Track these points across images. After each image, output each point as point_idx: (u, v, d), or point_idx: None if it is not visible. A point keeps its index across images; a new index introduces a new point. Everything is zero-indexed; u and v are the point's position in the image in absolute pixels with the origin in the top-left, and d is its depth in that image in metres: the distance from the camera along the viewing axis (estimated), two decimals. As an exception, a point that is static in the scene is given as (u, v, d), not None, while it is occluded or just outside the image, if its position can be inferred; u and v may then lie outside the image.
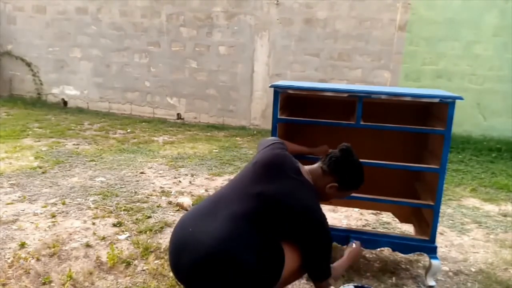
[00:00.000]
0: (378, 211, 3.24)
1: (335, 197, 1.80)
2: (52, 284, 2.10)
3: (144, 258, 2.38)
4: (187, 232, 1.56)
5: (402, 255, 2.49)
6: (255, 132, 6.15)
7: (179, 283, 1.75)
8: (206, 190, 3.59)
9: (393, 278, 2.32)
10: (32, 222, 2.75)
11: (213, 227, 1.52)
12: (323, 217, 1.62)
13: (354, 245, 1.96)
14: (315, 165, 1.78)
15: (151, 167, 4.15)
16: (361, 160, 2.23)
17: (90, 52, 7.09)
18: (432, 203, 2.18)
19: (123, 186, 3.56)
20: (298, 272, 1.68)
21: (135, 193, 3.42)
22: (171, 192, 3.49)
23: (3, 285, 2.06)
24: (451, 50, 5.62)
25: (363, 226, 3.06)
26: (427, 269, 2.28)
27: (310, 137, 2.41)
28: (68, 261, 2.31)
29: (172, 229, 2.72)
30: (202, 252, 1.47)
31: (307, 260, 1.62)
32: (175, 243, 1.59)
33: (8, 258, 2.28)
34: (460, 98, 2.04)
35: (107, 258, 2.33)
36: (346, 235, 2.29)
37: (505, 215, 3.37)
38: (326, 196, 1.78)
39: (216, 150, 4.97)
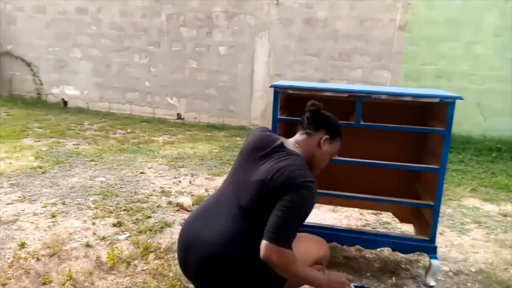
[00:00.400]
0: (378, 211, 3.24)
1: (329, 152, 1.73)
2: (52, 284, 2.10)
3: (144, 258, 2.38)
4: (192, 232, 1.60)
5: (402, 255, 2.49)
6: (255, 132, 6.14)
7: (188, 280, 1.75)
8: (206, 190, 3.59)
9: (393, 278, 2.32)
10: (32, 222, 2.75)
11: (218, 226, 1.54)
12: (308, 177, 1.49)
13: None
14: (297, 135, 1.75)
15: (151, 167, 4.15)
16: (361, 160, 2.25)
17: (90, 52, 7.09)
18: (432, 203, 2.18)
19: (123, 186, 3.56)
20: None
21: (135, 193, 3.42)
22: (171, 192, 3.49)
23: (3, 285, 2.05)
24: (451, 50, 5.62)
25: (363, 226, 3.05)
26: (427, 269, 2.28)
27: (310, 137, 2.40)
28: (68, 261, 2.31)
29: (172, 229, 2.76)
30: (210, 252, 1.50)
31: (273, 219, 1.43)
32: (183, 243, 1.63)
33: (8, 258, 2.28)
34: (460, 98, 2.04)
35: (107, 258, 2.33)
36: (346, 235, 2.29)
37: (505, 215, 3.37)
38: (321, 157, 1.71)
39: (216, 150, 4.97)
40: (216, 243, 1.49)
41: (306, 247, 1.65)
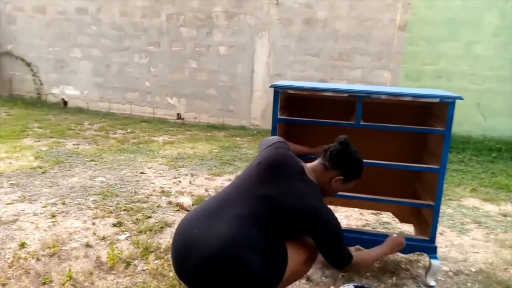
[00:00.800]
0: (378, 211, 3.24)
1: (341, 190, 1.80)
2: (52, 284, 2.10)
3: (144, 258, 2.38)
4: (192, 233, 1.56)
5: (402, 255, 2.49)
6: (255, 132, 6.15)
7: (180, 281, 1.75)
8: (206, 190, 3.59)
9: (393, 278, 2.32)
10: (32, 222, 2.75)
11: (219, 228, 1.52)
12: (328, 214, 1.62)
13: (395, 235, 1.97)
14: (316, 162, 1.78)
15: (151, 167, 4.15)
16: (361, 160, 2.25)
17: (90, 52, 7.09)
18: (432, 203, 2.18)
19: (123, 186, 3.56)
20: (299, 272, 1.68)
21: (135, 193, 3.42)
22: (171, 192, 3.49)
23: (3, 285, 2.06)
24: (451, 50, 5.62)
25: (363, 226, 3.05)
26: (427, 269, 2.28)
27: (310, 137, 2.40)
28: (68, 261, 2.31)
29: (172, 229, 2.75)
30: (209, 253, 1.47)
31: (322, 253, 1.66)
32: (179, 244, 1.59)
33: (8, 258, 2.29)
34: (460, 98, 2.04)
35: (107, 258, 2.33)
36: (346, 235, 2.29)
37: (505, 215, 3.37)
38: (332, 191, 1.79)
39: (216, 150, 4.97)
40: (218, 244, 1.48)
41: (296, 249, 1.66)
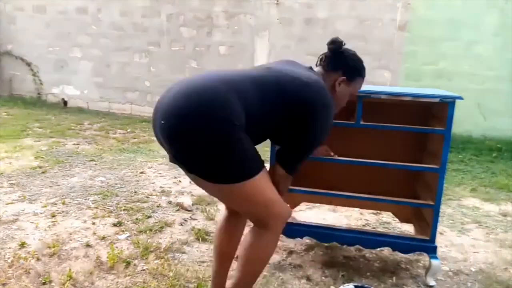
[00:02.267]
0: (378, 211, 3.23)
1: (348, 94, 1.73)
2: (52, 284, 2.10)
3: (144, 258, 2.38)
4: (173, 88, 1.50)
5: (402, 255, 2.49)
6: (255, 132, 6.14)
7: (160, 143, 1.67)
8: (206, 190, 3.59)
9: (393, 278, 2.32)
10: (32, 222, 2.75)
11: (208, 83, 1.47)
12: (328, 99, 1.53)
13: None
14: (317, 69, 1.74)
15: (151, 167, 4.15)
16: (361, 160, 2.25)
17: (90, 52, 7.09)
18: (432, 203, 2.17)
19: (123, 186, 3.56)
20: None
21: (135, 193, 3.42)
22: (171, 192, 3.49)
23: (3, 285, 2.06)
24: (452, 50, 5.62)
25: (363, 226, 3.05)
26: (427, 269, 2.28)
27: (310, 137, 2.40)
28: (68, 261, 2.31)
29: (172, 229, 2.76)
30: (186, 102, 1.42)
31: (288, 145, 1.56)
32: (161, 98, 1.53)
33: (8, 258, 2.28)
34: (460, 98, 2.04)
35: (107, 258, 2.33)
36: (346, 235, 2.29)
37: (505, 215, 3.37)
38: (340, 98, 1.72)
39: (216, 150, 4.96)
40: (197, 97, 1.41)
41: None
